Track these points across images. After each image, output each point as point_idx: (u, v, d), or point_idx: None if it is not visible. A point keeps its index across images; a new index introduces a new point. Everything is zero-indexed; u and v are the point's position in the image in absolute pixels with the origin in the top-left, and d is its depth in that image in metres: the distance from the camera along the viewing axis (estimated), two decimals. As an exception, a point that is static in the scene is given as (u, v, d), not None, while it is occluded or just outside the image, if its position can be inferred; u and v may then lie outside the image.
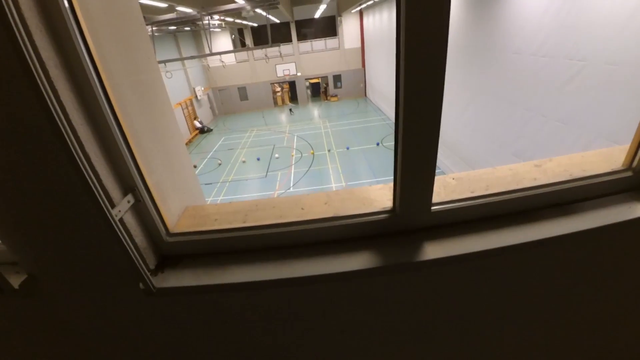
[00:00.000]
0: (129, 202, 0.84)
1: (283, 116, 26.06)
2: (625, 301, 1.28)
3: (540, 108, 7.62)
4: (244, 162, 17.21)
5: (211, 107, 28.05)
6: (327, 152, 17.09)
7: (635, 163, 1.11)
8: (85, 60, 0.71)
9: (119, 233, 0.76)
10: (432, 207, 0.99)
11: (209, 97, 27.62)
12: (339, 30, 27.73)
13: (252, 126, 23.89)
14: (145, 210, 0.90)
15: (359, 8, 22.60)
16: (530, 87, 7.78)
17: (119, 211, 0.80)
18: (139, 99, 1.00)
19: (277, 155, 17.32)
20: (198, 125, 23.70)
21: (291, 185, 14.08)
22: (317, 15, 24.96)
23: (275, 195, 13.34)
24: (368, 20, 25.37)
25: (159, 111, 1.15)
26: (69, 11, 0.68)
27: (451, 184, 1.20)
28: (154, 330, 1.04)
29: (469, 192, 1.13)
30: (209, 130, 24.17)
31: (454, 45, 11.13)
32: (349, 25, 27.53)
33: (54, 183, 0.75)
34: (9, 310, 1.08)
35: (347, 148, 17.08)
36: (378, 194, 1.19)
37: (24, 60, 0.61)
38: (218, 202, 13.04)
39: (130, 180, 0.85)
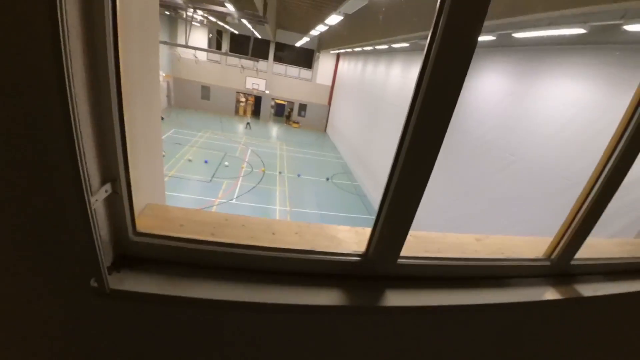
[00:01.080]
0: (106, 191, 0.77)
1: (241, 126, 25.59)
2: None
3: (476, 186, 8.69)
4: (190, 160, 16.22)
5: (167, 96, 26.41)
6: (278, 173, 17.02)
7: (553, 255, 1.36)
8: (109, 27, 0.66)
9: (92, 222, 0.69)
10: (398, 260, 1.08)
11: (168, 85, 26.06)
12: (315, 65, 29.05)
13: (207, 128, 22.92)
14: (118, 204, 0.82)
15: (337, 51, 24.12)
16: (471, 167, 8.90)
17: (96, 200, 0.72)
18: (142, 83, 0.95)
19: (226, 163, 16.71)
20: (148, 111, 21.99)
21: (235, 197, 13.56)
22: (298, 44, 25.94)
23: (217, 203, 12.67)
24: (343, 64, 27.12)
25: (153, 97, 1.09)
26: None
27: (410, 241, 1.31)
28: (94, 339, 0.90)
29: (423, 250, 1.25)
30: (160, 118, 22.56)
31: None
32: (324, 63, 29.03)
33: (34, 155, 0.67)
34: None
35: (299, 175, 17.24)
36: (345, 236, 1.25)
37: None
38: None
39: (114, 170, 0.78)
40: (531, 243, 1.53)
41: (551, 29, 5.96)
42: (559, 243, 1.34)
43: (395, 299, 0.99)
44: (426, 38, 0.77)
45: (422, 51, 0.78)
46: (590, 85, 6.08)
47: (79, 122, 0.62)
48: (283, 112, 30.64)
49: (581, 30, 5.51)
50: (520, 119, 7.53)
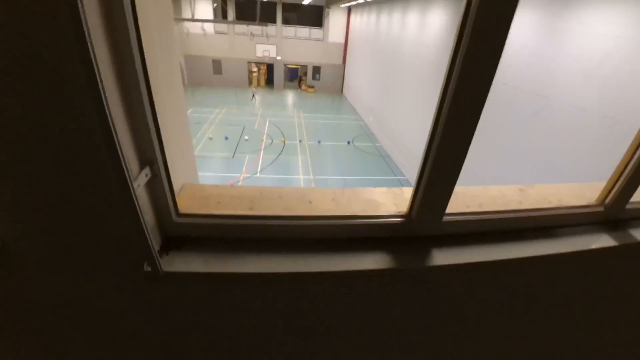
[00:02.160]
0: (146, 175, 0.77)
1: (257, 97, 25.33)
2: (598, 314, 1.45)
3: (504, 136, 8.21)
4: (210, 139, 16.49)
5: (181, 76, 26.36)
6: (298, 142, 16.96)
7: (607, 199, 1.26)
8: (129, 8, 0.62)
9: (137, 208, 0.69)
10: (443, 218, 1.04)
11: (180, 65, 25.87)
12: (325, 22, 27.45)
13: (223, 103, 22.88)
14: (159, 187, 0.83)
15: (348, 4, 22.50)
16: (497, 116, 8.34)
17: (138, 185, 0.72)
18: (164, 58, 0.91)
19: (246, 138, 16.84)
20: (164, 92, 22.15)
21: (258, 170, 13.79)
22: (306, 1, 24.42)
23: (242, 179, 12.99)
24: (355, 18, 25.43)
25: (175, 73, 1.05)
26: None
27: (449, 197, 1.26)
28: (145, 322, 0.95)
29: (465, 206, 1.19)
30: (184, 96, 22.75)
31: (433, 63, 11.59)
32: (335, 20, 27.34)
33: (72, 143, 0.66)
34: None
35: (319, 142, 17.09)
36: (382, 198, 1.21)
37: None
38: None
39: (150, 152, 0.77)
40: (578, 190, 1.42)
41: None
42: (613, 186, 1.23)
43: (443, 257, 0.96)
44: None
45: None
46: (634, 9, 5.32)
47: (109, 108, 0.60)
48: (296, 77, 29.75)
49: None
50: (550, 58, 6.83)
